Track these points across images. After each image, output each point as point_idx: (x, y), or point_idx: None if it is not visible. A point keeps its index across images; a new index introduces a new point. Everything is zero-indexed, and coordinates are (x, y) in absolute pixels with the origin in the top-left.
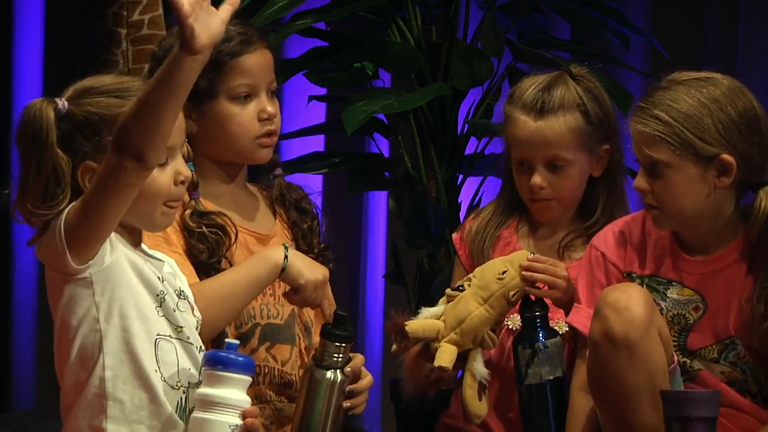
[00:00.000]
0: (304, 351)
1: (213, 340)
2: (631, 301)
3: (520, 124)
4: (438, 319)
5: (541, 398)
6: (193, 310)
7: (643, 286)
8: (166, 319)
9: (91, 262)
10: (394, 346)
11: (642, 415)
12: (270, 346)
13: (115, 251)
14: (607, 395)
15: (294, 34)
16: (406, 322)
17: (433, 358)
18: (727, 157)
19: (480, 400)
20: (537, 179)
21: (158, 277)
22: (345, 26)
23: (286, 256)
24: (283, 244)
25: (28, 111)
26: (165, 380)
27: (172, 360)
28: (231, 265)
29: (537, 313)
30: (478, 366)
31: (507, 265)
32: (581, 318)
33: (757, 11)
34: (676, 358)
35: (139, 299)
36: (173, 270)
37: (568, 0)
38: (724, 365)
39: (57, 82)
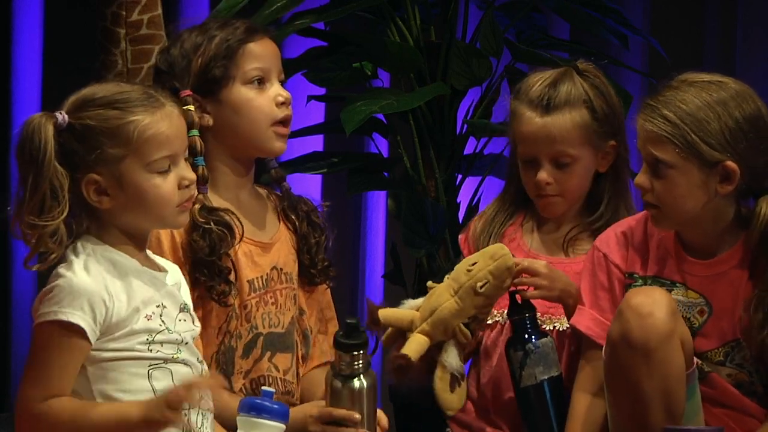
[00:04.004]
0: (300, 359)
1: None
2: (655, 307)
3: (525, 120)
4: (417, 311)
5: (540, 399)
6: (193, 320)
7: None
8: (162, 351)
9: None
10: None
11: (654, 419)
12: (272, 355)
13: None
14: (621, 396)
15: (293, 34)
16: (380, 309)
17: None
18: (731, 164)
19: (452, 392)
20: (543, 175)
21: (153, 314)
22: (344, 26)
23: None
24: None
25: (26, 126)
26: None
27: (168, 387)
28: (234, 266)
29: (525, 315)
30: (450, 358)
31: (479, 256)
32: (584, 320)
33: (757, 11)
34: (695, 361)
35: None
36: (178, 280)
37: (567, 0)
38: (731, 367)
39: (56, 83)
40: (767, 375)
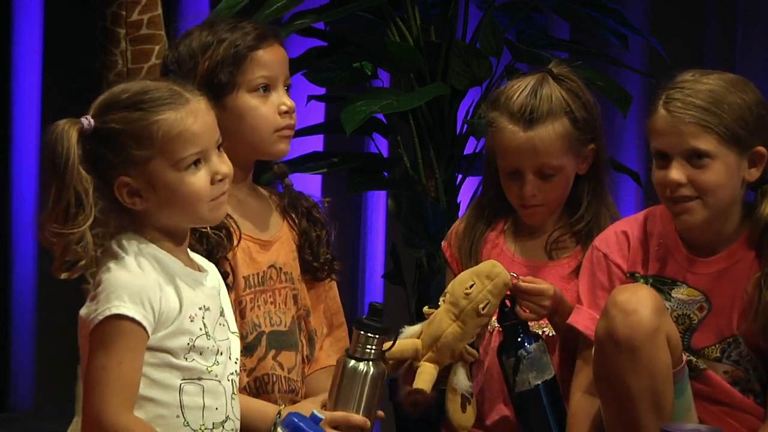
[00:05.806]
0: (305, 359)
1: None
2: (639, 304)
3: (508, 134)
4: (418, 338)
5: (535, 403)
6: (229, 326)
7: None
8: (197, 362)
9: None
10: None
11: (642, 417)
12: (276, 353)
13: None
14: (610, 394)
15: (293, 34)
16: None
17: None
18: (762, 148)
19: (464, 411)
20: (528, 188)
21: (195, 315)
22: (344, 26)
23: (275, 423)
24: (278, 411)
25: (50, 133)
26: (188, 425)
27: (197, 403)
28: (232, 269)
29: (516, 320)
30: (459, 380)
31: (474, 278)
32: (583, 319)
33: (757, 11)
34: (684, 357)
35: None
36: (217, 283)
37: (567, 0)
38: (727, 364)
39: (56, 83)
40: (764, 370)
